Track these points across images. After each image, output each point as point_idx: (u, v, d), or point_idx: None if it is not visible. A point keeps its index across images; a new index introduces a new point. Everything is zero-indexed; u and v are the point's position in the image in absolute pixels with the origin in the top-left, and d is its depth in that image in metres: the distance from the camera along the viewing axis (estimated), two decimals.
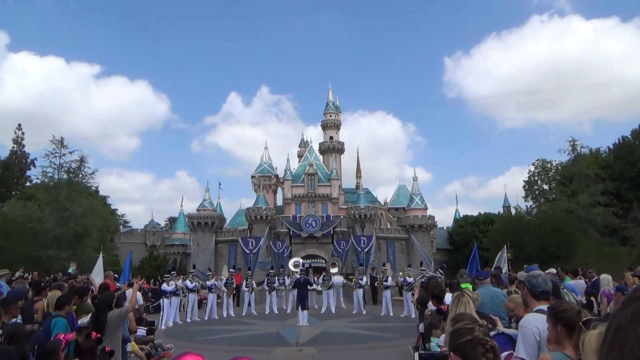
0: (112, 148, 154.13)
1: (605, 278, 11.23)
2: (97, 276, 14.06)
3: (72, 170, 37.04)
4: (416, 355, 2.50)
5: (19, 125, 49.57)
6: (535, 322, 3.54)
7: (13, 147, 48.31)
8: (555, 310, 3.07)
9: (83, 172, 38.26)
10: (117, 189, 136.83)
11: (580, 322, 3.00)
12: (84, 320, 6.66)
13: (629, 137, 51.61)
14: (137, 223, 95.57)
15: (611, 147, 55.00)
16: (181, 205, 65.96)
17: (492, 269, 13.48)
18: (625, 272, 13.55)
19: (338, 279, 22.30)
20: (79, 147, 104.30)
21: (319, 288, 21.94)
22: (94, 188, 43.57)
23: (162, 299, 18.20)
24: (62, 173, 36.47)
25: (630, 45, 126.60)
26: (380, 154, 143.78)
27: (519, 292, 5.99)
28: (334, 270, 22.81)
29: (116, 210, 65.89)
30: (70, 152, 36.69)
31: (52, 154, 35.68)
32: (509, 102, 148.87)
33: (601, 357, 0.70)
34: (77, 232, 33.92)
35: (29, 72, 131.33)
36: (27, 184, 46.91)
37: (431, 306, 5.91)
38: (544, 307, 3.62)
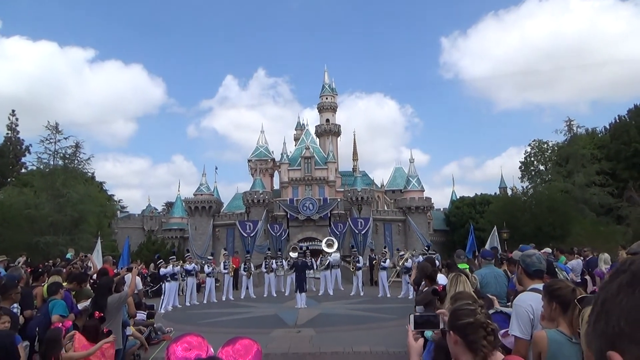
0: (108, 133, 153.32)
1: (603, 257, 11.34)
2: (96, 261, 14.13)
3: (67, 156, 36.87)
4: (411, 317, 2.50)
5: (13, 111, 49.22)
6: (529, 301, 3.60)
7: (7, 134, 48.00)
8: (551, 288, 3.12)
9: (79, 158, 38.10)
10: (114, 174, 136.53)
11: (576, 300, 3.05)
12: (85, 304, 6.72)
13: (625, 116, 51.64)
14: (135, 208, 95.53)
15: (607, 127, 55.02)
16: (178, 190, 65.98)
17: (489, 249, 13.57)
18: (619, 250, 13.68)
19: (335, 256, 22.37)
20: (75, 133, 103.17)
21: (317, 275, 22.06)
22: (90, 174, 43.46)
23: (162, 283, 18.32)
24: (58, 159, 36.32)
25: (628, 24, 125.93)
26: (378, 136, 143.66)
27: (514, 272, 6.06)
28: (330, 250, 22.86)
29: (113, 195, 65.86)
30: (65, 138, 36.51)
31: (47, 140, 35.48)
32: (506, 83, 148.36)
33: (589, 328, 0.72)
34: (74, 217, 33.93)
35: (21, 57, 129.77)
36: (23, 170, 46.69)
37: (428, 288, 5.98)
38: (538, 285, 3.68)
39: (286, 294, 20.81)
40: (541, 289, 3.41)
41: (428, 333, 5.97)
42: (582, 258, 13.57)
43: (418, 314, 2.61)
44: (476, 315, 2.11)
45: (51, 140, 35.64)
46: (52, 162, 36.03)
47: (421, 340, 2.49)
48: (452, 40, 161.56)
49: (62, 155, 36.42)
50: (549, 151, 54.46)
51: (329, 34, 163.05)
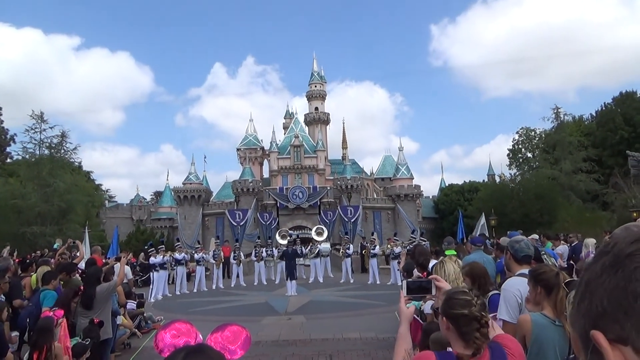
0: (96, 122, 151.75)
1: (589, 242, 11.51)
2: (84, 251, 14.00)
3: (53, 145, 36.43)
4: (404, 283, 2.51)
5: None
6: (517, 285, 3.67)
7: None
8: (536, 273, 3.18)
9: (65, 148, 37.70)
10: (102, 164, 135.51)
11: (563, 284, 3.11)
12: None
13: (611, 104, 52.09)
14: (123, 198, 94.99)
15: (594, 114, 55.50)
16: (167, 179, 65.65)
17: (477, 235, 13.70)
18: (604, 236, 13.90)
19: (325, 246, 22.44)
20: (61, 122, 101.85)
21: (307, 262, 22.11)
22: (76, 163, 43.02)
23: (151, 272, 18.26)
24: (44, 148, 35.90)
25: (616, 12, 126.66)
26: (368, 124, 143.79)
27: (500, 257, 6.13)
28: (320, 238, 22.92)
29: (101, 185, 65.37)
30: (51, 127, 36.08)
31: (32, 129, 35.02)
32: (495, 71, 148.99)
33: (573, 309, 0.73)
34: (61, 207, 33.63)
35: (4, 44, 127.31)
36: (8, 160, 46.05)
37: (417, 273, 6.03)
38: (525, 271, 3.73)
39: (276, 282, 20.87)
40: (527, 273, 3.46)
41: (417, 303, 6.05)
42: (568, 244, 13.78)
43: (411, 279, 2.63)
44: (471, 307, 2.08)
45: (36, 130, 35.20)
46: (38, 152, 35.60)
47: (412, 307, 2.50)
48: (441, 27, 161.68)
49: (48, 144, 35.99)
50: (537, 138, 54.96)
51: (318, 21, 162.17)
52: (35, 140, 35.25)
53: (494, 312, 3.47)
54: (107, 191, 70.13)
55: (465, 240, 15.32)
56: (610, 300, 0.65)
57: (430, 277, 2.53)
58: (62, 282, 7.69)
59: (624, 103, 49.57)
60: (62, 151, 37.53)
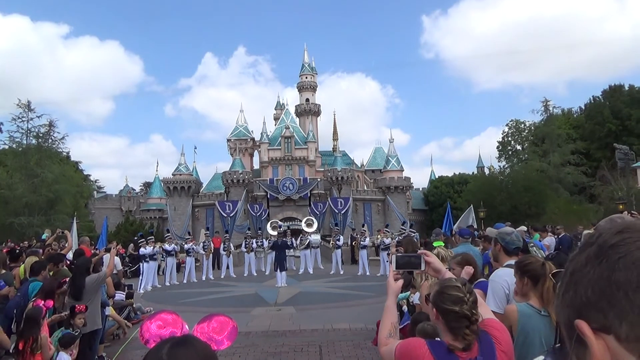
0: (85, 112, 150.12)
1: (584, 233, 11.63)
2: (72, 242, 13.87)
3: (41, 135, 35.96)
4: (393, 257, 2.51)
5: None
6: (505, 276, 3.71)
7: None
8: (522, 264, 3.21)
9: (52, 137, 37.23)
10: (91, 154, 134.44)
11: (551, 274, 3.15)
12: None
13: (600, 97, 52.52)
14: (112, 188, 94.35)
15: (583, 107, 55.92)
16: (156, 170, 65.10)
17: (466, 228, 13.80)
18: (590, 228, 14.10)
19: (315, 237, 22.49)
20: (50, 111, 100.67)
21: (297, 254, 22.12)
22: (64, 153, 42.55)
23: (140, 263, 18.19)
24: (31, 138, 35.43)
25: (607, 5, 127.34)
26: (359, 116, 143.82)
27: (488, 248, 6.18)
28: (310, 229, 22.94)
29: (89, 175, 64.75)
30: (38, 117, 35.61)
31: (19, 118, 34.54)
32: (486, 63, 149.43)
33: (557, 299, 0.74)
34: (49, 198, 33.30)
35: None
36: None
37: None
38: (513, 262, 3.77)
39: (266, 273, 20.89)
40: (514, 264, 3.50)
41: (403, 295, 6.08)
42: (555, 236, 13.93)
43: (400, 254, 2.61)
44: (462, 304, 2.06)
45: (23, 119, 34.73)
46: (25, 141, 35.12)
47: (400, 281, 2.49)
48: (433, 19, 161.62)
49: (35, 134, 35.52)
50: (526, 131, 55.28)
51: (311, 11, 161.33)
52: (22, 129, 34.82)
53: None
54: (95, 182, 69.61)
55: (453, 233, 15.43)
56: (594, 290, 0.66)
57: (419, 252, 2.51)
58: (51, 273, 7.63)
59: (612, 96, 50.04)
60: (50, 141, 37.07)
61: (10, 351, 5.18)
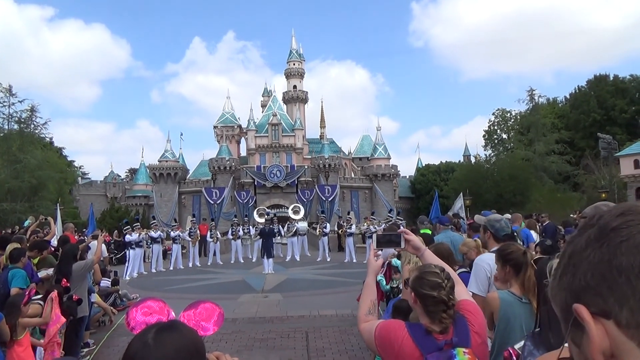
0: (70, 97, 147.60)
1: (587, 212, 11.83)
2: (55, 228, 13.72)
3: (22, 120, 35.30)
4: (374, 235, 2.57)
5: None
6: (488, 260, 3.78)
7: None
8: (504, 252, 3.26)
9: (35, 122, 36.55)
10: (76, 140, 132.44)
11: (532, 261, 3.21)
12: (48, 271, 6.57)
13: (585, 87, 52.98)
14: (97, 175, 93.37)
15: (568, 97, 56.41)
16: (142, 156, 64.43)
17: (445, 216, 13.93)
18: (577, 215, 14.39)
19: (302, 225, 22.54)
20: (34, 96, 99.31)
21: (284, 241, 22.17)
22: (48, 139, 41.87)
23: (126, 250, 18.09)
24: (13, 123, 34.76)
25: None
26: (348, 104, 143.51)
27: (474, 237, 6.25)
28: (297, 217, 22.98)
29: (73, 161, 63.85)
30: (20, 101, 34.89)
31: (0, 103, 33.82)
32: (475, 52, 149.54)
33: (554, 281, 0.72)
34: (32, 184, 32.80)
35: None
36: None
37: (391, 251, 6.11)
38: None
39: (253, 260, 20.93)
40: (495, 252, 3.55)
41: (386, 287, 6.15)
42: (539, 223, 14.12)
43: (381, 233, 2.66)
44: (440, 290, 2.10)
45: (5, 104, 34.04)
46: (6, 127, 34.47)
47: (380, 260, 2.55)
48: (422, 6, 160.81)
49: (17, 119, 34.85)
50: (512, 120, 55.72)
51: None
52: (3, 114, 34.15)
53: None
54: (80, 168, 68.65)
55: None
56: (594, 274, 0.64)
57: (399, 230, 2.56)
58: (35, 260, 7.55)
59: (597, 86, 50.50)
60: (32, 126, 36.41)
61: None
